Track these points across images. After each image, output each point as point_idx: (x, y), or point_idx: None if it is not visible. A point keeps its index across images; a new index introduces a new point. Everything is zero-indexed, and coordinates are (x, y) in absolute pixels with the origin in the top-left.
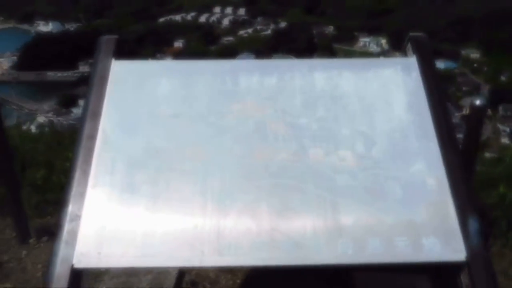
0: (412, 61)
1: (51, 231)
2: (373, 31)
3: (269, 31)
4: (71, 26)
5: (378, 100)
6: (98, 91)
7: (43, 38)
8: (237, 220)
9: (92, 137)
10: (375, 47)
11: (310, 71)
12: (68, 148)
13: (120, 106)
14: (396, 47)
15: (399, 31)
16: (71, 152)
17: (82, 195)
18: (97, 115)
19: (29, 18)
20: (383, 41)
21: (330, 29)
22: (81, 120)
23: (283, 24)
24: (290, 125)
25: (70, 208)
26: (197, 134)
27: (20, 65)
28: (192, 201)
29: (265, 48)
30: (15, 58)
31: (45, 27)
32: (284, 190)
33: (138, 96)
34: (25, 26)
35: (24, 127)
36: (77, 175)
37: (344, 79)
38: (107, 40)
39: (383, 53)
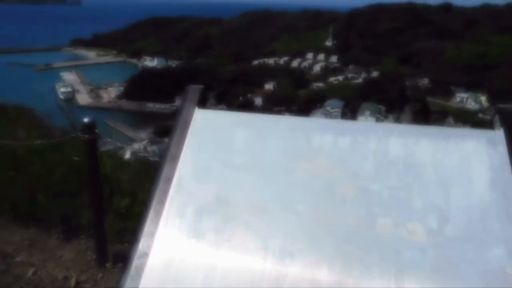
0: (499, 134)
1: (127, 259)
2: (471, 87)
3: (360, 80)
4: (174, 63)
5: (457, 172)
6: (179, 137)
7: (147, 72)
8: (295, 281)
9: (169, 180)
10: (473, 103)
11: (386, 135)
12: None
13: (198, 153)
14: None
15: (501, 88)
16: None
17: (152, 234)
18: (175, 159)
19: (138, 53)
20: (483, 98)
21: (425, 81)
22: (161, 162)
23: (375, 74)
24: (359, 189)
25: (140, 245)
26: (265, 188)
27: (125, 95)
28: (252, 255)
29: (355, 96)
30: (122, 88)
31: (151, 62)
32: (346, 257)
33: (215, 145)
34: (134, 61)
35: (119, 153)
36: (151, 214)
37: (421, 146)
38: (193, 89)
39: (482, 111)
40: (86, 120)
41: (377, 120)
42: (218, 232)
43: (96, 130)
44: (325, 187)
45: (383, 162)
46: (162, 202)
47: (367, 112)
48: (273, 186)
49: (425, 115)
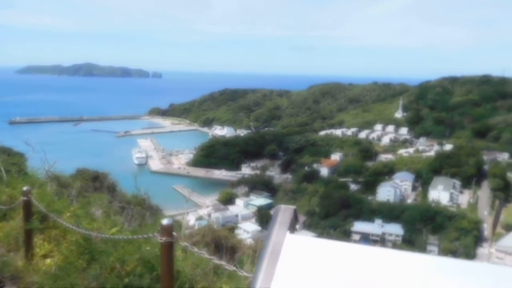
0: None
1: None
2: None
3: (432, 153)
4: (242, 132)
5: None
6: (270, 266)
7: (217, 140)
8: None
9: None
10: None
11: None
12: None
13: (289, 284)
14: None
15: None
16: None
17: None
18: None
19: (209, 122)
20: None
21: (505, 156)
22: None
23: (448, 146)
24: None
25: None
26: None
27: (194, 162)
28: None
29: (426, 170)
30: (191, 155)
31: (221, 131)
32: None
33: (307, 276)
34: (205, 129)
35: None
36: None
37: None
38: (284, 211)
39: None
40: (165, 221)
41: (452, 195)
42: None
43: (174, 233)
44: None
45: None
46: None
47: (440, 187)
48: None
49: (505, 192)
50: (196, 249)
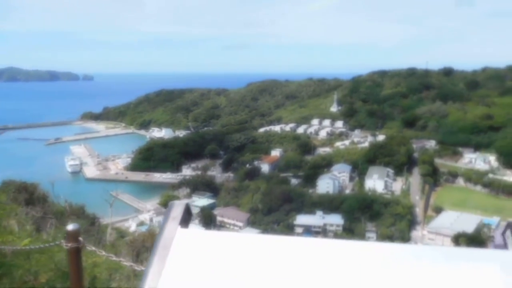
0: None
1: None
2: (479, 147)
3: (366, 144)
4: (181, 133)
5: None
6: (160, 261)
7: (155, 142)
8: None
9: None
10: (482, 164)
11: (403, 259)
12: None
13: (178, 278)
14: (507, 164)
15: (510, 148)
16: None
17: None
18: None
19: (146, 125)
20: (492, 158)
21: (432, 143)
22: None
23: (381, 137)
24: None
25: None
26: None
27: (132, 166)
28: None
29: (362, 161)
30: (129, 159)
31: (159, 133)
32: None
33: (197, 268)
34: (142, 132)
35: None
36: None
37: (425, 271)
38: (176, 206)
39: (492, 171)
40: (70, 227)
41: (386, 182)
42: None
43: (81, 238)
44: None
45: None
46: None
47: (375, 176)
48: None
49: (434, 177)
50: (104, 253)
